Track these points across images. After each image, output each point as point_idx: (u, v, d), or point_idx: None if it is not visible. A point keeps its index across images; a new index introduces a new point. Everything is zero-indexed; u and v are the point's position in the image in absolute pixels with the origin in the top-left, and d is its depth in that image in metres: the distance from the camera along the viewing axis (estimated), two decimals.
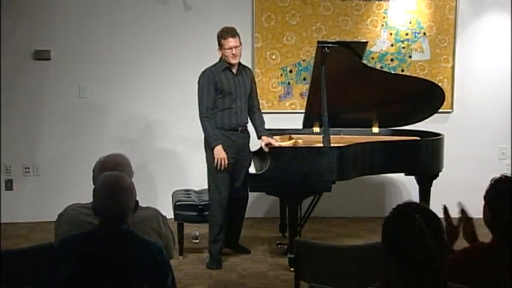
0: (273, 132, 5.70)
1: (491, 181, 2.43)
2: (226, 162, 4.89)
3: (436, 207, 2.31)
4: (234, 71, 5.02)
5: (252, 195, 5.58)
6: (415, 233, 1.86)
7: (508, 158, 6.49)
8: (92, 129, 6.31)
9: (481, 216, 2.47)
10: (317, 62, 5.11)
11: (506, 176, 2.44)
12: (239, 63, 5.06)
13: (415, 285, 1.89)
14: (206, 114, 4.95)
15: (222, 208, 5.00)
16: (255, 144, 5.79)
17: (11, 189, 6.28)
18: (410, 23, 6.36)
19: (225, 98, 4.98)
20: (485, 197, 2.45)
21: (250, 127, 5.22)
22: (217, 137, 4.93)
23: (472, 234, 2.62)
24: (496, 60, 6.44)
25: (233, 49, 4.92)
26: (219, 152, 4.89)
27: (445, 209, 2.59)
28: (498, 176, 2.45)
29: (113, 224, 2.56)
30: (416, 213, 1.89)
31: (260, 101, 6.31)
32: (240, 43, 4.98)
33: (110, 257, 2.48)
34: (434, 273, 1.88)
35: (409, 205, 1.97)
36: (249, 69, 5.29)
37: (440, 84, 5.93)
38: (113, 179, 2.63)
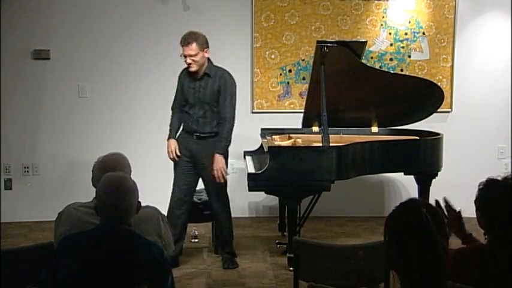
0: (272, 132, 5.72)
1: (479, 185, 2.45)
2: (174, 154, 4.95)
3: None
4: (198, 76, 4.87)
5: (252, 195, 5.59)
6: (421, 225, 1.88)
7: (507, 158, 6.51)
8: (91, 128, 6.31)
9: None
10: (316, 62, 5.11)
11: (493, 179, 2.45)
12: (216, 68, 4.88)
13: (419, 277, 1.90)
14: (174, 110, 5.11)
15: (174, 206, 5.00)
16: (254, 144, 5.81)
17: (10, 189, 6.29)
18: (409, 22, 6.37)
19: (185, 102, 4.96)
20: (475, 202, 2.46)
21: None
22: (172, 133, 5.05)
23: (460, 228, 2.63)
24: (496, 60, 6.45)
25: (187, 58, 4.76)
26: (169, 144, 5.01)
27: (437, 202, 2.60)
28: (485, 180, 2.46)
29: (115, 224, 2.56)
30: (422, 207, 1.92)
31: (259, 100, 6.35)
32: (200, 51, 4.74)
33: (111, 256, 2.48)
34: (439, 265, 1.90)
35: (414, 200, 2.01)
36: (227, 75, 4.89)
37: (439, 83, 5.94)
38: (117, 180, 2.64)
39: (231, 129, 4.91)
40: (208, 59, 4.89)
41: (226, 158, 4.95)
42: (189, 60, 4.79)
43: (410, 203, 1.99)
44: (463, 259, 2.38)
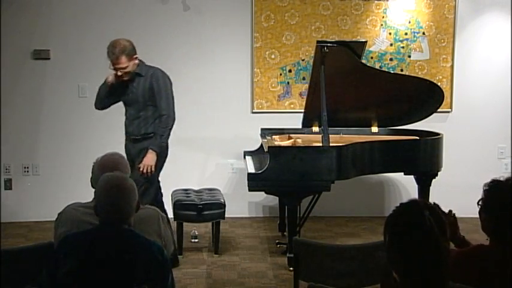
0: (272, 132, 5.72)
1: (484, 187, 2.44)
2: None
3: None
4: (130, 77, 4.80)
5: (252, 195, 5.59)
6: (423, 226, 1.88)
7: (507, 158, 6.50)
8: (91, 128, 6.31)
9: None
10: (316, 62, 5.11)
11: (498, 180, 2.44)
12: (148, 67, 4.80)
13: (420, 278, 1.90)
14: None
15: None
16: (254, 144, 5.81)
17: (10, 189, 6.28)
18: (409, 22, 6.36)
19: (124, 104, 4.91)
20: (478, 203, 2.45)
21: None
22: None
23: (454, 232, 2.62)
24: (496, 60, 6.45)
25: (118, 71, 4.69)
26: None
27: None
28: (489, 181, 2.45)
29: (114, 224, 2.57)
30: (424, 208, 1.92)
31: (259, 100, 6.35)
32: (129, 61, 4.66)
33: (111, 256, 2.48)
34: (440, 266, 1.89)
35: (415, 201, 2.01)
36: (159, 72, 4.81)
37: (439, 83, 5.94)
38: (116, 180, 2.64)
39: (168, 127, 4.77)
40: (140, 59, 4.79)
41: (162, 157, 4.83)
42: (120, 73, 4.70)
43: (411, 204, 1.99)
44: (465, 260, 2.38)
